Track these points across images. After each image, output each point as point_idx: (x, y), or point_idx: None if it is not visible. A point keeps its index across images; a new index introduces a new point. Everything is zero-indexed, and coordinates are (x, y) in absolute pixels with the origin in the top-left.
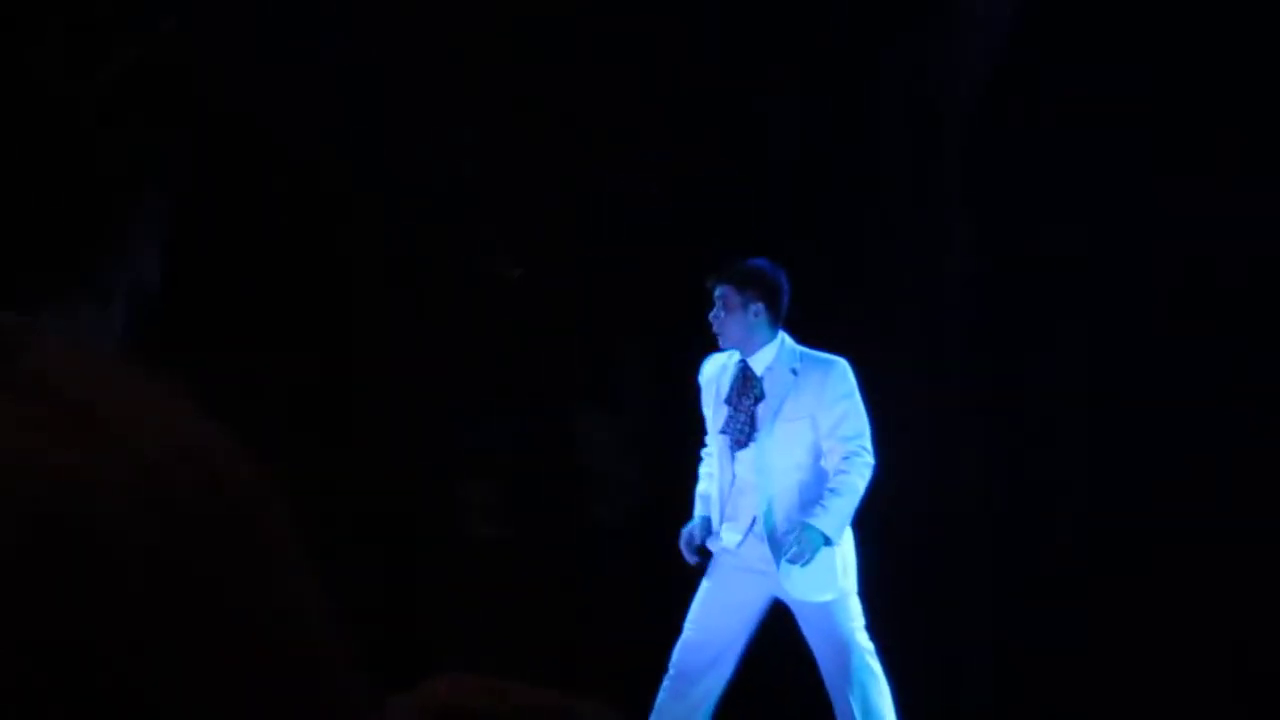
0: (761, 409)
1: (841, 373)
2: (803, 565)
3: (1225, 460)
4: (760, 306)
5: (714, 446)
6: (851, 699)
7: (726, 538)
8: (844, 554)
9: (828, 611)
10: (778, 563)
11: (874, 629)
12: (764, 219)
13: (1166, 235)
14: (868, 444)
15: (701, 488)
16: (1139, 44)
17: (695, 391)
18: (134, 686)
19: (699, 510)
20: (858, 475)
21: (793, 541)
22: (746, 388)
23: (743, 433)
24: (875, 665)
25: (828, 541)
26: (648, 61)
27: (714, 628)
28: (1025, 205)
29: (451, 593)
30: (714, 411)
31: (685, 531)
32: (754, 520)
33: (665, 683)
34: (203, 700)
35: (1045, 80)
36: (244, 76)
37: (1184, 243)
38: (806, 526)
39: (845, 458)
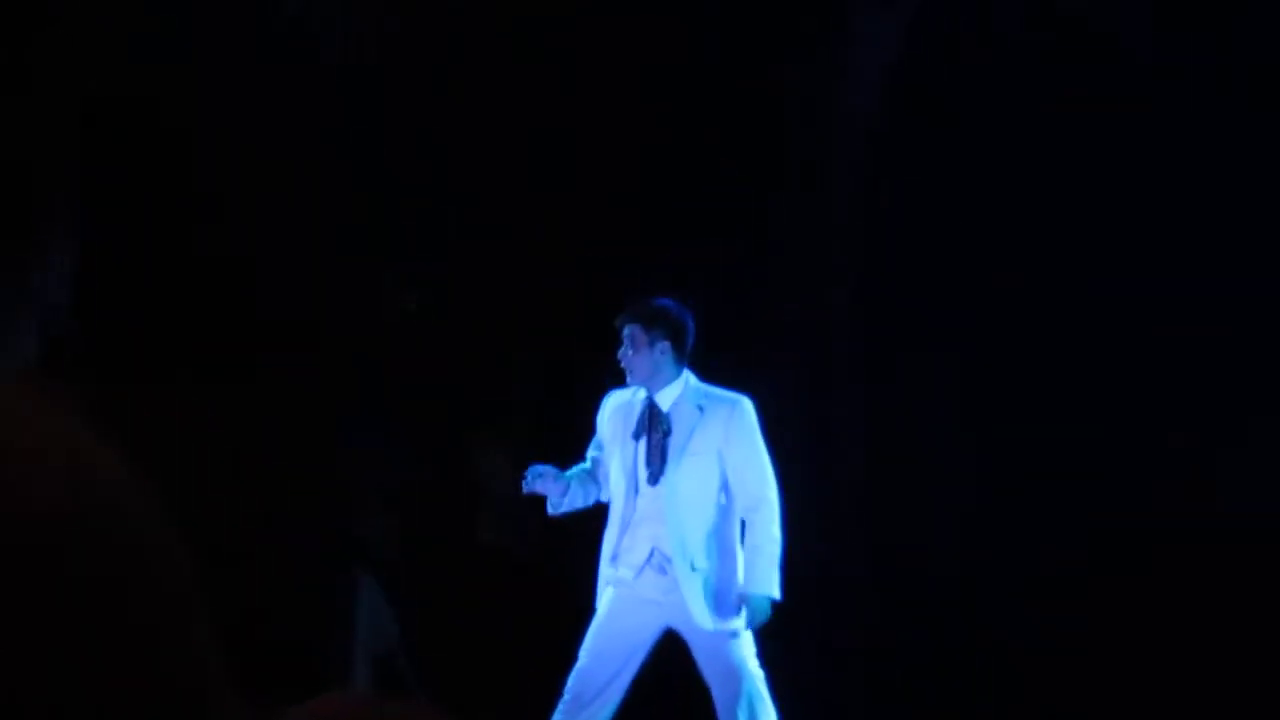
0: (669, 444)
1: (745, 410)
2: (746, 625)
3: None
4: (666, 345)
5: (612, 479)
6: None
7: (623, 569)
8: (729, 594)
9: (723, 640)
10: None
11: (762, 653)
12: (660, 248)
13: (1058, 260)
14: (772, 486)
15: (574, 470)
16: (1025, 69)
17: (590, 418)
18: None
19: (565, 474)
20: (773, 525)
21: (745, 613)
22: (654, 423)
23: (651, 465)
24: (765, 693)
25: (771, 600)
26: (545, 91)
27: (607, 655)
28: (913, 232)
29: (351, 613)
30: (620, 446)
31: (542, 469)
32: (652, 552)
33: (560, 705)
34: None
35: (932, 106)
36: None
37: (1073, 267)
38: (751, 598)
39: (755, 509)
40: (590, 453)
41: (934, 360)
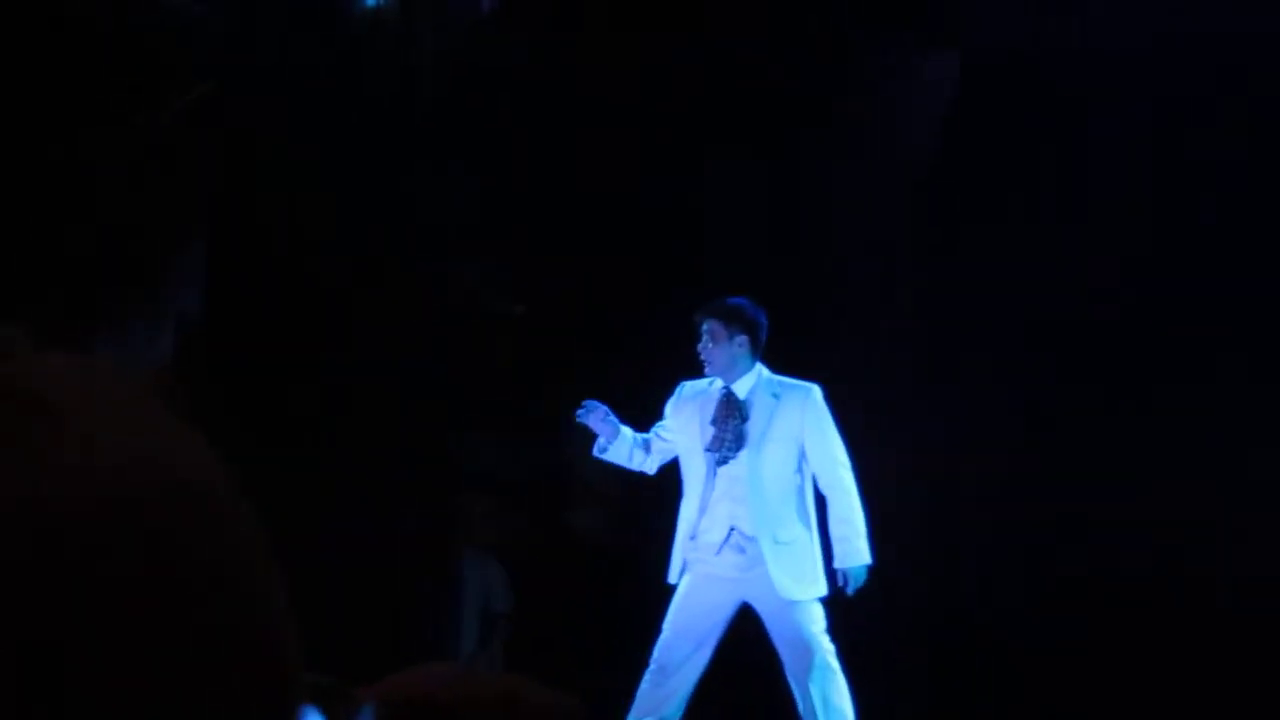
0: (748, 429)
1: (818, 396)
2: (848, 593)
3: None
4: (744, 338)
5: (688, 463)
6: (814, 696)
7: (702, 548)
8: (818, 559)
9: (800, 612)
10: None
11: (833, 630)
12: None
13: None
14: (848, 464)
15: (636, 434)
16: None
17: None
18: (92, 680)
19: (626, 432)
20: (855, 497)
21: (846, 579)
22: (732, 410)
23: (731, 449)
24: (836, 664)
25: (868, 566)
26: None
27: (688, 628)
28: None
29: (446, 592)
30: (698, 431)
31: (595, 404)
32: (730, 530)
33: (646, 674)
34: (157, 695)
35: (988, 135)
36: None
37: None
38: (850, 570)
39: (835, 485)
40: (654, 430)
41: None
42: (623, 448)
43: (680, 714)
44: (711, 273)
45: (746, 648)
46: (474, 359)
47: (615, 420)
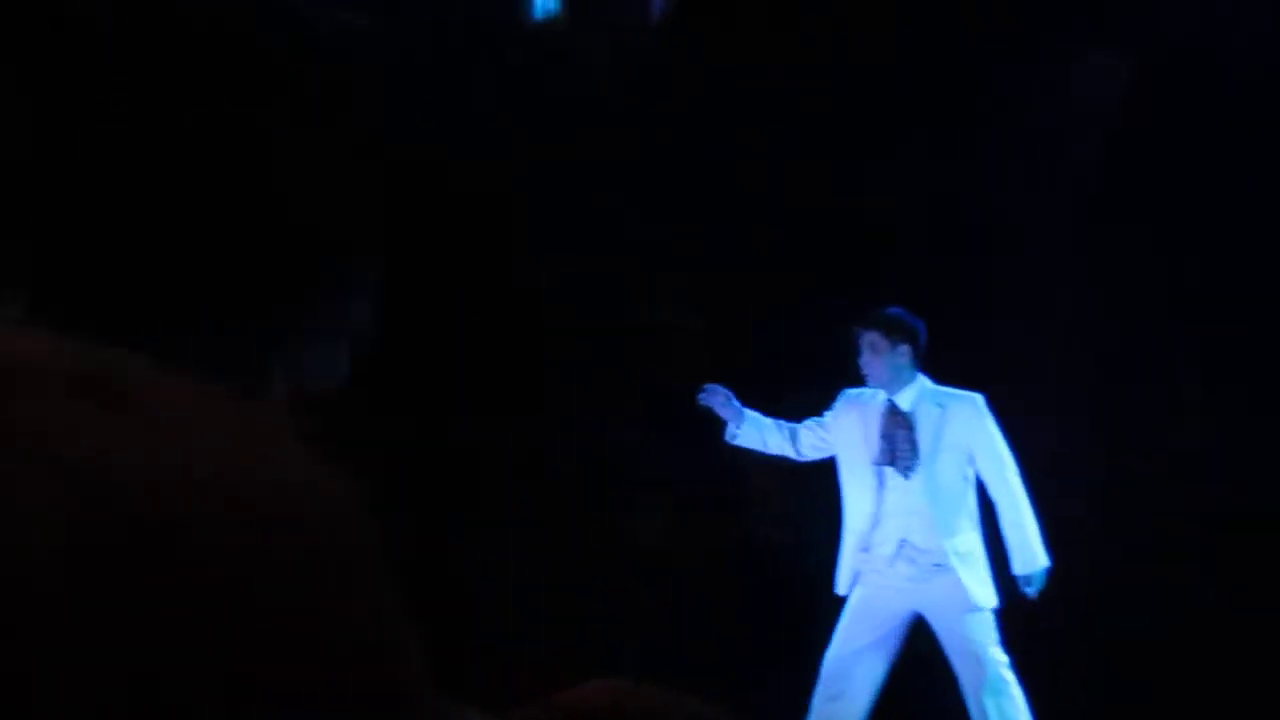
0: (917, 440)
1: (982, 405)
2: (1030, 595)
3: None
4: (906, 349)
5: (852, 475)
6: (990, 710)
7: (875, 560)
8: (988, 568)
9: (973, 624)
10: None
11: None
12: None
13: None
14: (1016, 470)
15: (774, 420)
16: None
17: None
18: (208, 703)
19: (754, 416)
20: (1025, 502)
21: (1029, 582)
22: (897, 423)
23: (901, 461)
24: (1011, 677)
25: (1046, 568)
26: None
27: (860, 639)
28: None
29: (617, 601)
30: (862, 443)
31: (717, 387)
32: (901, 543)
33: (818, 687)
34: None
35: (1167, 127)
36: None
37: None
38: (1031, 574)
39: (1005, 492)
40: (809, 422)
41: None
42: (754, 431)
43: None
44: (881, 276)
45: (920, 663)
46: (652, 369)
47: (738, 404)
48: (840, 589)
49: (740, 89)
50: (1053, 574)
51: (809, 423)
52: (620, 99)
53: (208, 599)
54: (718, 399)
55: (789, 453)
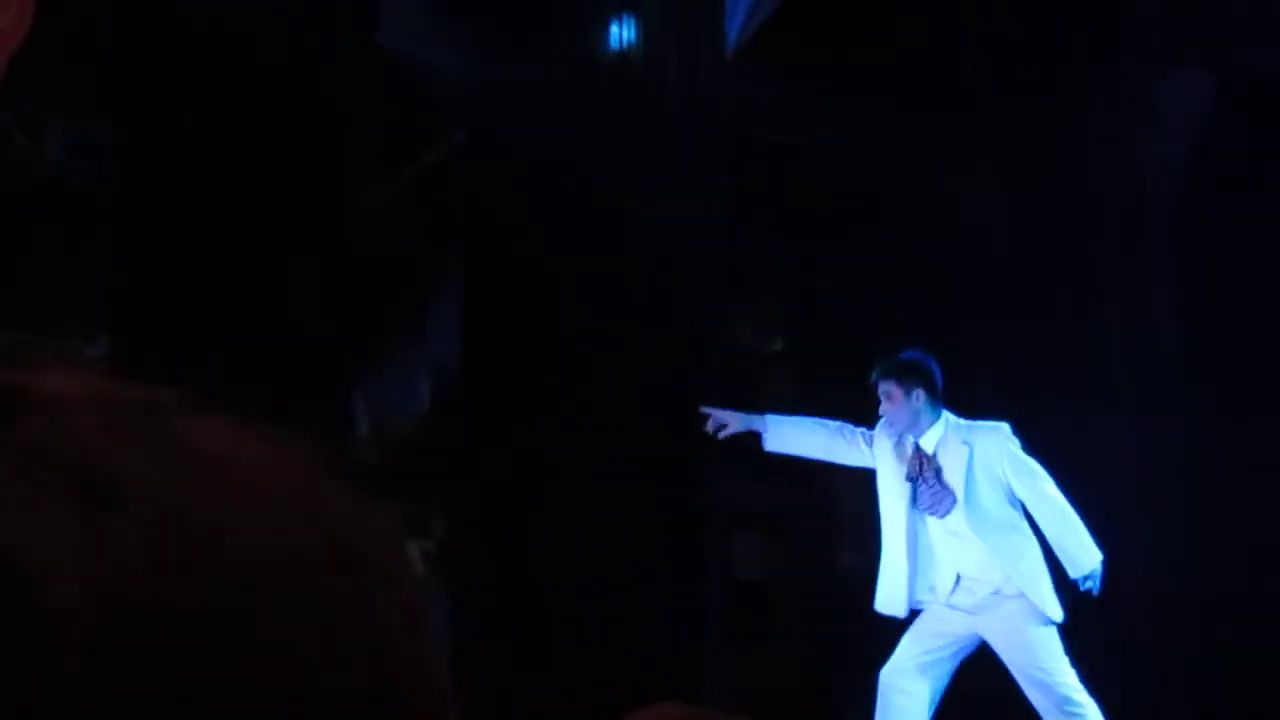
0: (946, 481)
1: (1008, 433)
2: (1094, 592)
3: None
4: (921, 392)
5: (890, 513)
6: None
7: (932, 590)
8: (1051, 583)
9: (1035, 645)
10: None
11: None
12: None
13: None
14: (1049, 480)
15: (819, 424)
16: None
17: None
18: None
19: (786, 421)
20: (1065, 505)
21: (1089, 579)
22: (924, 466)
23: (938, 505)
24: (1083, 691)
25: (1102, 561)
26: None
27: (916, 658)
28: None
29: (711, 631)
30: (896, 484)
31: (709, 410)
32: (958, 578)
33: (878, 703)
34: None
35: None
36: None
37: None
38: (1090, 573)
39: (1043, 503)
40: (860, 431)
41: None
42: (794, 434)
43: None
44: (958, 288)
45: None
46: (735, 395)
47: (748, 415)
48: (885, 609)
49: (803, 112)
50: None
51: (860, 430)
52: (696, 128)
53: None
54: (721, 419)
55: (855, 450)
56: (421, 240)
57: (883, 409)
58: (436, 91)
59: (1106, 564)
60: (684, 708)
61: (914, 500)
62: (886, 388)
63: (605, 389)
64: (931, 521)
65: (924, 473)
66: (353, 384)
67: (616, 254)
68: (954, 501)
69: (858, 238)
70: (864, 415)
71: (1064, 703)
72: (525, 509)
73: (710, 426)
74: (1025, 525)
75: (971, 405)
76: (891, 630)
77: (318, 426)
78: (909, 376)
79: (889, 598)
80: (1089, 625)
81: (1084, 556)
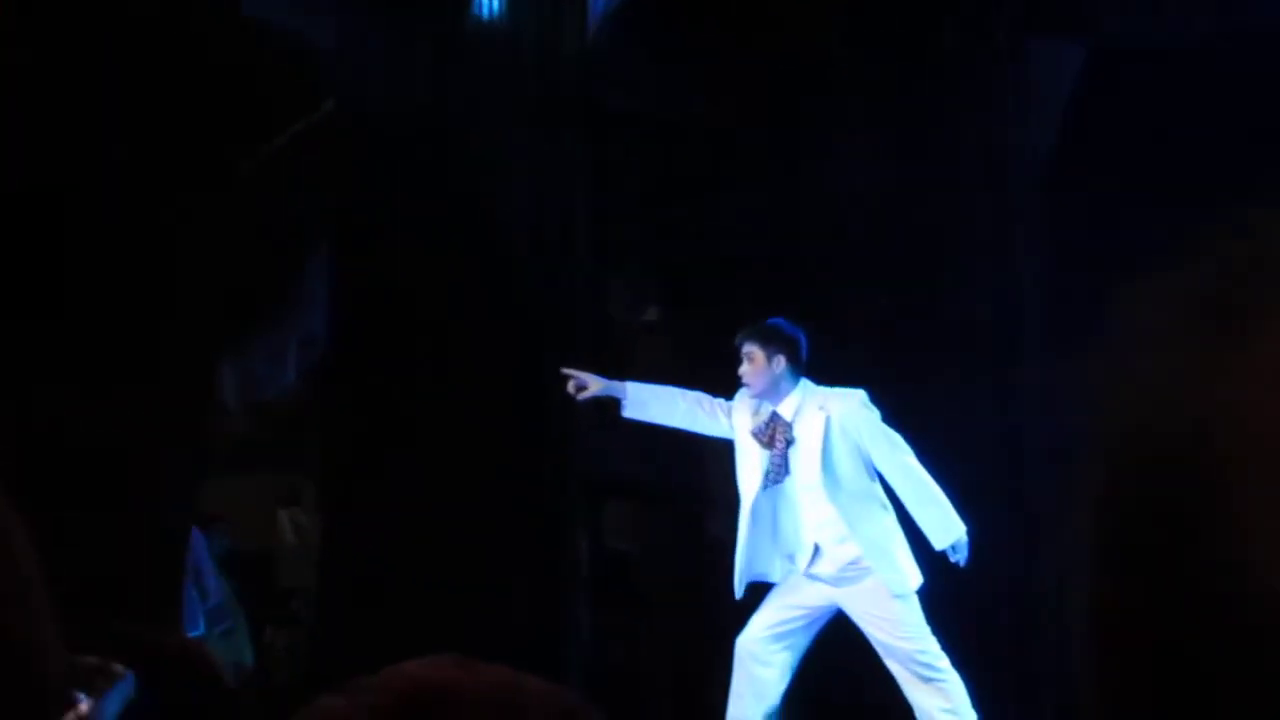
0: (798, 450)
1: (864, 399)
2: (961, 564)
3: None
4: (782, 359)
5: (746, 479)
6: (926, 698)
7: (786, 563)
8: (909, 551)
9: (894, 615)
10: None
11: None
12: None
13: None
14: (908, 450)
15: (681, 393)
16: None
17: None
18: None
19: (645, 388)
20: (925, 475)
21: (956, 551)
22: (779, 433)
23: (782, 473)
24: (944, 661)
25: (968, 532)
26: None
27: (772, 626)
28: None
29: (577, 600)
30: (755, 451)
31: (570, 372)
32: (816, 547)
33: (735, 671)
34: None
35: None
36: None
37: None
38: (954, 544)
39: (903, 473)
40: (718, 401)
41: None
42: (654, 403)
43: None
44: (824, 259)
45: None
46: (608, 365)
47: (609, 381)
48: (739, 593)
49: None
50: (977, 545)
51: (719, 401)
52: (561, 98)
53: None
54: (582, 380)
55: (714, 421)
56: (289, 211)
57: (743, 370)
58: (302, 62)
59: (971, 535)
60: (455, 656)
61: (770, 469)
62: (749, 349)
63: (472, 358)
64: (790, 490)
65: (778, 440)
66: (222, 355)
67: (482, 223)
68: (809, 471)
69: (725, 207)
70: (731, 388)
71: (926, 671)
72: (393, 477)
73: (571, 388)
74: (882, 495)
75: (833, 375)
76: (760, 598)
77: (187, 397)
78: (773, 341)
79: (741, 568)
80: (951, 594)
81: (946, 528)
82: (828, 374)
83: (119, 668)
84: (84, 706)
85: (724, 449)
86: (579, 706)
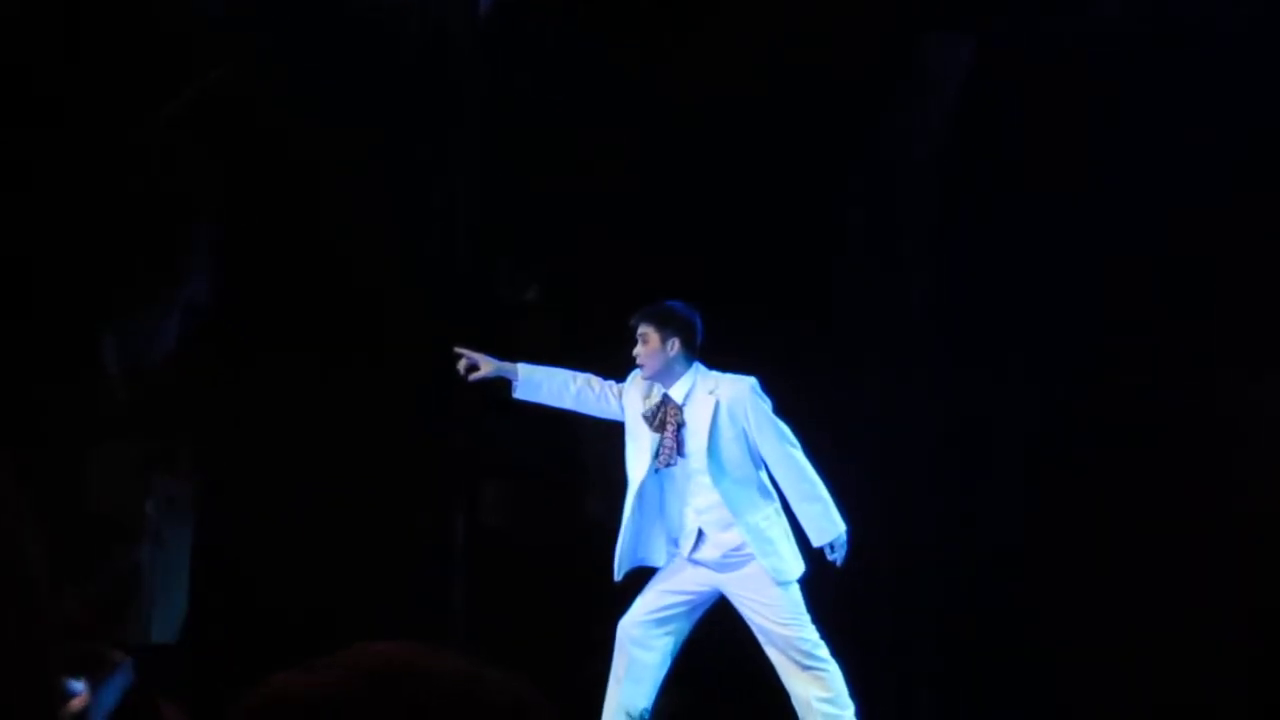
0: (689, 432)
1: (753, 386)
2: (838, 563)
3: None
4: (676, 341)
5: (633, 462)
6: (808, 684)
7: (681, 548)
8: (792, 540)
9: (775, 603)
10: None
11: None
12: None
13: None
14: (795, 443)
15: (571, 375)
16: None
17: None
18: None
19: (537, 370)
20: (809, 471)
21: (833, 549)
22: (669, 416)
23: (674, 454)
24: (825, 651)
25: (847, 531)
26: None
27: (655, 611)
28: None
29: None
30: (646, 434)
31: (462, 350)
32: (699, 531)
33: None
34: None
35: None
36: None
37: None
38: (833, 542)
39: (786, 465)
40: (608, 385)
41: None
42: (545, 384)
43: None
44: (720, 264)
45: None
46: (489, 345)
47: (500, 361)
48: (618, 576)
49: (578, 75)
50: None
51: (610, 383)
52: (467, 65)
53: None
54: (473, 360)
55: (604, 403)
56: (177, 175)
57: (636, 352)
58: (194, 28)
59: (851, 531)
60: (418, 644)
61: (660, 450)
62: (644, 330)
63: (361, 335)
64: (677, 475)
65: (668, 423)
66: (103, 321)
67: (372, 199)
68: (696, 453)
69: (617, 186)
70: (623, 370)
71: (804, 659)
72: (273, 447)
73: (461, 367)
74: (767, 483)
75: (724, 362)
76: (641, 581)
77: (69, 364)
78: (669, 324)
79: (624, 551)
80: (832, 582)
81: (825, 526)
82: (719, 358)
83: (118, 655)
84: (80, 699)
85: (608, 430)
86: (532, 695)
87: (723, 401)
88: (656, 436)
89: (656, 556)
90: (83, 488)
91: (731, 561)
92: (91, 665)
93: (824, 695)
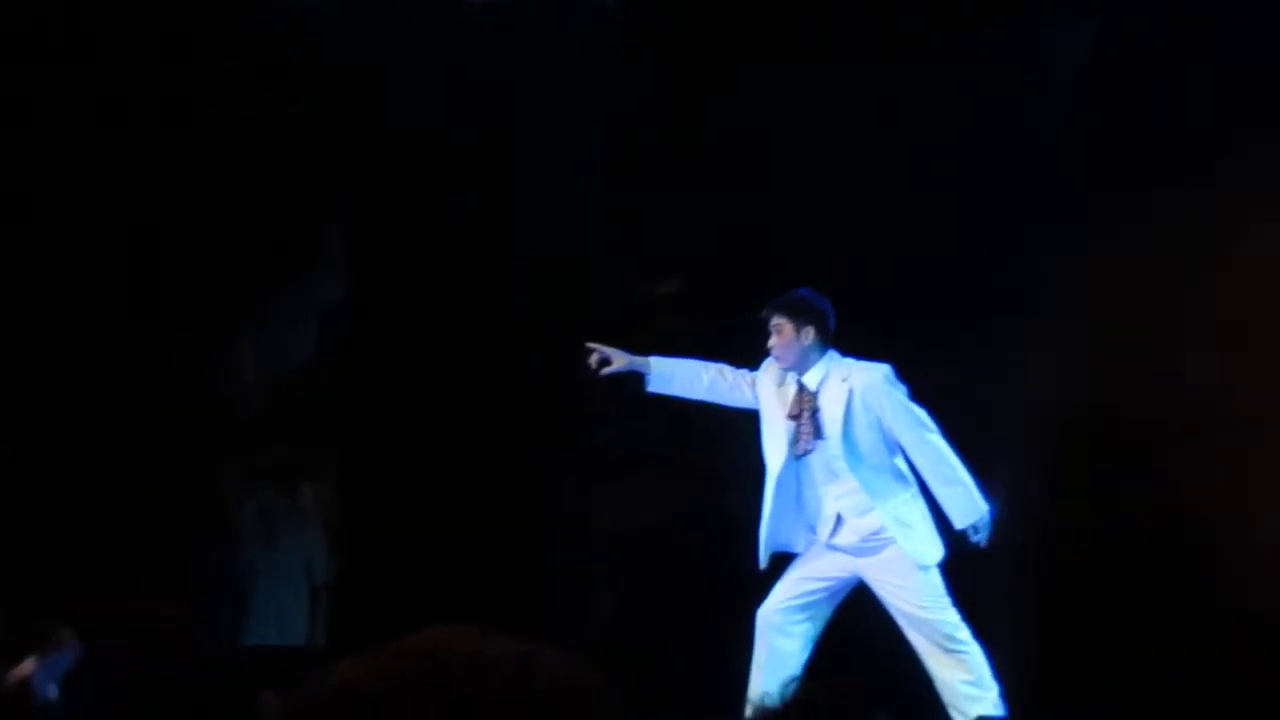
0: (823, 419)
1: (888, 373)
2: (981, 544)
3: None
4: (811, 330)
5: (771, 451)
6: (948, 667)
7: (819, 534)
8: (932, 524)
9: (915, 587)
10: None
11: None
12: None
13: None
14: (932, 427)
15: (703, 365)
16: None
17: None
18: None
19: (668, 362)
20: (950, 454)
21: (977, 531)
22: (804, 404)
23: (809, 443)
24: (965, 633)
25: (990, 511)
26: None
27: (796, 597)
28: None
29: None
30: (781, 422)
31: (594, 346)
32: (838, 517)
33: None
34: None
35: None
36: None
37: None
38: (976, 523)
39: (924, 449)
40: (741, 372)
41: None
42: (677, 376)
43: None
44: (851, 233)
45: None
46: (626, 337)
47: (632, 355)
48: (763, 564)
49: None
50: (998, 521)
51: (743, 372)
52: (586, 69)
53: None
54: (605, 354)
55: (737, 393)
56: (309, 181)
57: (771, 343)
58: (317, 31)
59: (993, 513)
60: (471, 629)
61: (796, 438)
62: (778, 321)
63: (492, 333)
64: (814, 462)
65: (804, 412)
66: (239, 329)
67: (503, 193)
68: (832, 441)
69: (750, 179)
70: (754, 363)
71: (947, 642)
72: (414, 453)
73: (593, 362)
74: (904, 468)
75: (859, 350)
76: (781, 570)
77: (205, 373)
78: (802, 313)
79: (766, 538)
80: (973, 566)
81: (968, 508)
82: (853, 347)
83: (66, 633)
84: (26, 667)
85: (743, 420)
86: (592, 678)
87: (856, 389)
88: (793, 424)
89: (797, 543)
90: (204, 489)
91: (870, 546)
92: (37, 643)
93: (967, 678)
